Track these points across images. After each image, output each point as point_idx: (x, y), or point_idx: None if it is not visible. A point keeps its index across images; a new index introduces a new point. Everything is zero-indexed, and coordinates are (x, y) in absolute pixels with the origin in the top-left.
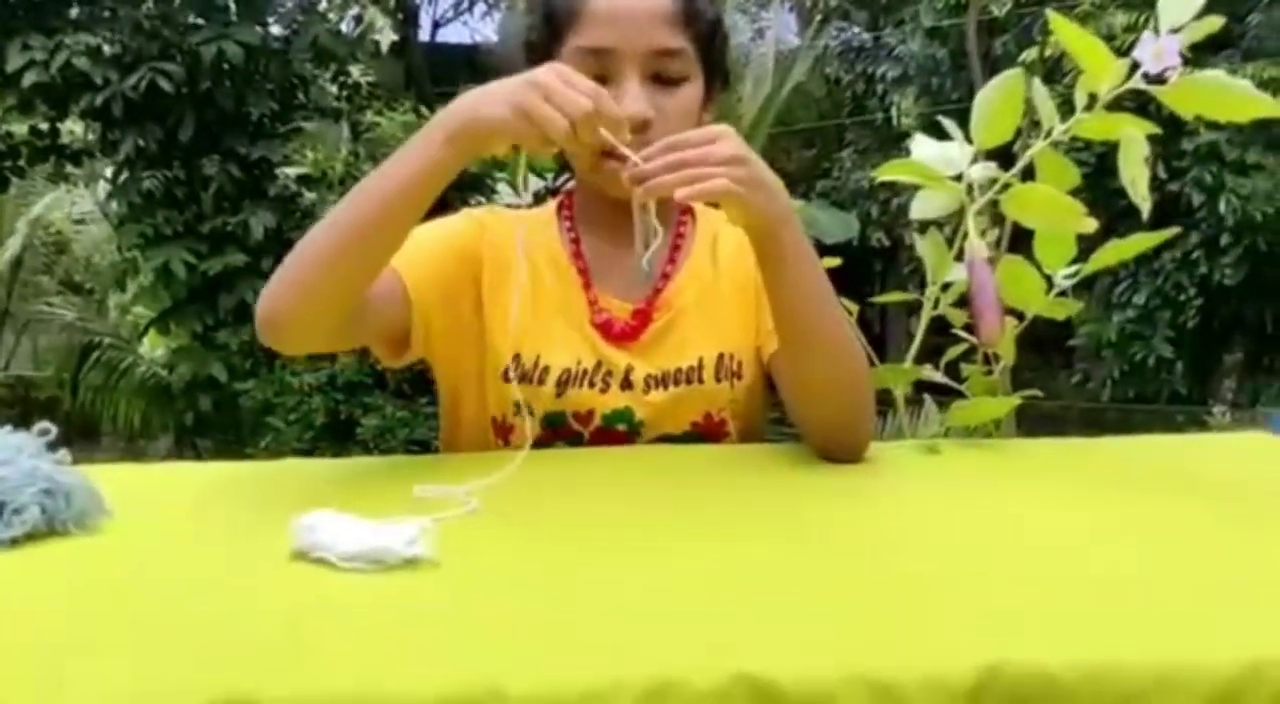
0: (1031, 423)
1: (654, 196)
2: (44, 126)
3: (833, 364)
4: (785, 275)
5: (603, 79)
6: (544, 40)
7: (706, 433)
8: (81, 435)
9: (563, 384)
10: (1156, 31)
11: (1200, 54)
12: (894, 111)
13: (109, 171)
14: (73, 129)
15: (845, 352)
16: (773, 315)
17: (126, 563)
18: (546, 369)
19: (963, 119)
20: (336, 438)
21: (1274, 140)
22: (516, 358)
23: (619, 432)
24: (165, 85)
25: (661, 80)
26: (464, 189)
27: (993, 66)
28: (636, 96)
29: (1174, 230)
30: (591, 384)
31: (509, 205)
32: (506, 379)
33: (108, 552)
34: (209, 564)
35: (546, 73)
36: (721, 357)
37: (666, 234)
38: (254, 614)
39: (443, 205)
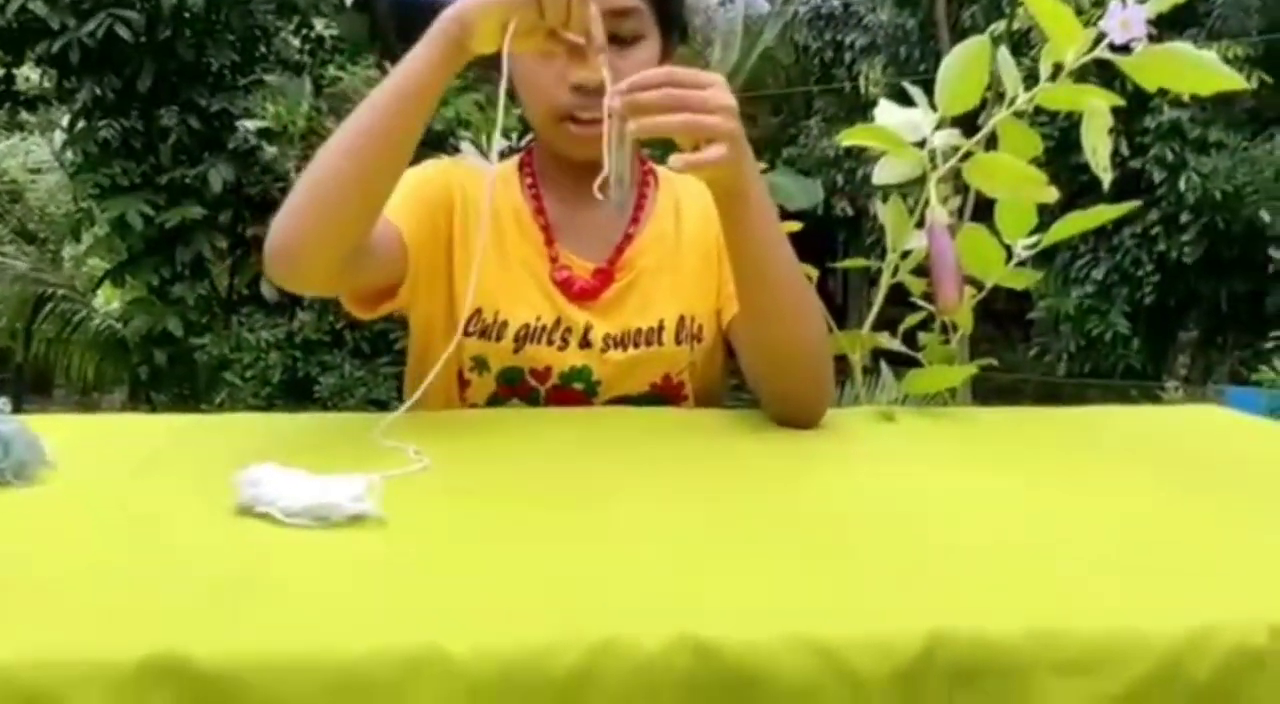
0: (987, 394)
1: (648, 134)
2: None
3: (791, 327)
4: (749, 234)
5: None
6: None
7: (664, 394)
8: (35, 388)
9: (521, 340)
10: (1124, 2)
11: (1165, 31)
12: (862, 80)
13: (65, 120)
14: (29, 76)
15: (805, 316)
16: (733, 275)
17: (63, 514)
18: (505, 324)
19: (930, 88)
20: (293, 396)
21: (1235, 119)
22: (477, 312)
23: (576, 391)
24: (124, 33)
25: (616, 40)
26: (427, 146)
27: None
28: (594, 59)
29: (1134, 204)
30: (550, 341)
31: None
32: (466, 333)
33: (45, 502)
34: (149, 518)
35: None
36: (682, 318)
37: (633, 187)
38: (191, 570)
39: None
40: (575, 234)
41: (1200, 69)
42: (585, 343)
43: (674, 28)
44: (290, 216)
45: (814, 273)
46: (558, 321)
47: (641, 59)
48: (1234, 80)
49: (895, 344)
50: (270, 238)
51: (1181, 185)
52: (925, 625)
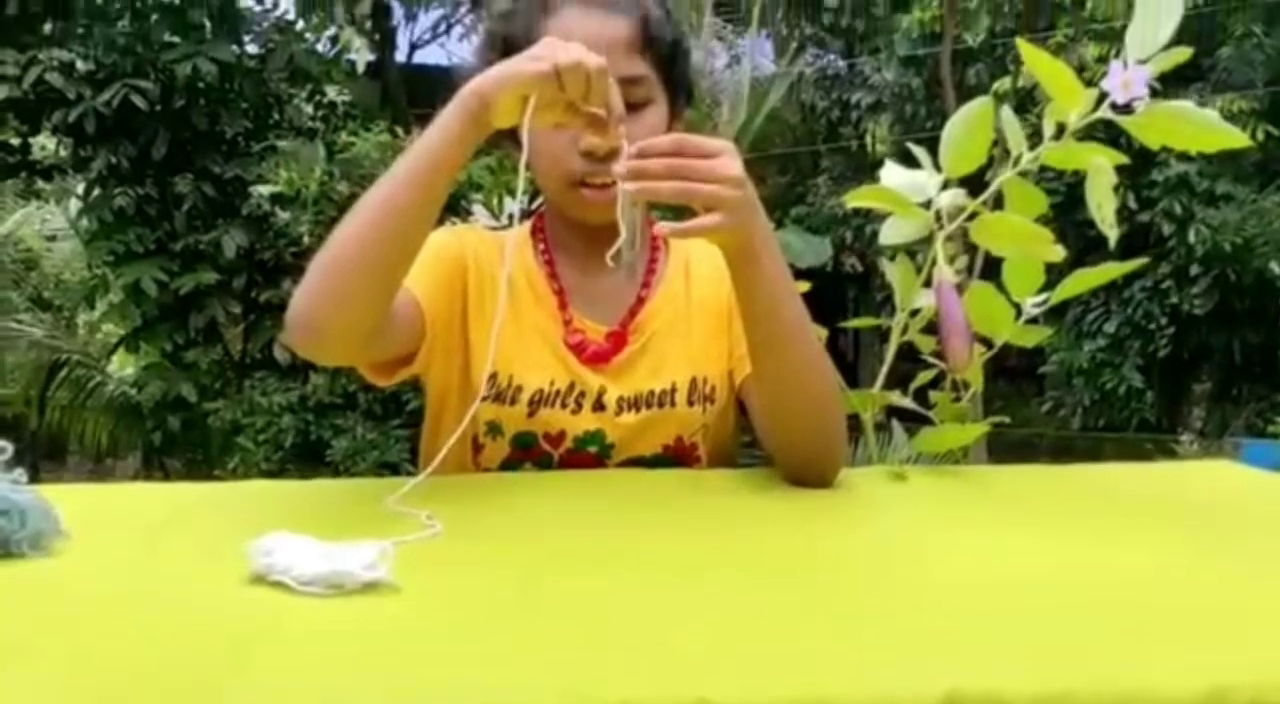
0: (1002, 450)
1: (646, 198)
2: (15, 142)
3: (804, 390)
4: (761, 297)
5: None
6: None
7: (677, 456)
8: (48, 454)
9: (535, 404)
10: (1126, 62)
11: (1170, 86)
12: (868, 138)
13: (81, 188)
14: (45, 145)
15: (818, 377)
16: (746, 337)
17: (78, 584)
18: (520, 388)
19: (936, 147)
20: (306, 459)
21: (1243, 172)
22: (492, 377)
23: (589, 454)
24: (139, 102)
25: (626, 106)
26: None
27: (966, 95)
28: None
29: (1142, 261)
30: (564, 405)
31: (488, 227)
32: (481, 398)
33: (60, 573)
34: (162, 587)
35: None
36: (694, 380)
37: (644, 249)
38: (203, 638)
39: None
40: (588, 298)
41: (1202, 127)
42: (599, 406)
43: (681, 91)
44: (312, 290)
45: (824, 333)
46: (571, 385)
47: (651, 123)
48: (1236, 138)
49: (907, 402)
50: (293, 310)
51: (1191, 238)
52: (941, 686)
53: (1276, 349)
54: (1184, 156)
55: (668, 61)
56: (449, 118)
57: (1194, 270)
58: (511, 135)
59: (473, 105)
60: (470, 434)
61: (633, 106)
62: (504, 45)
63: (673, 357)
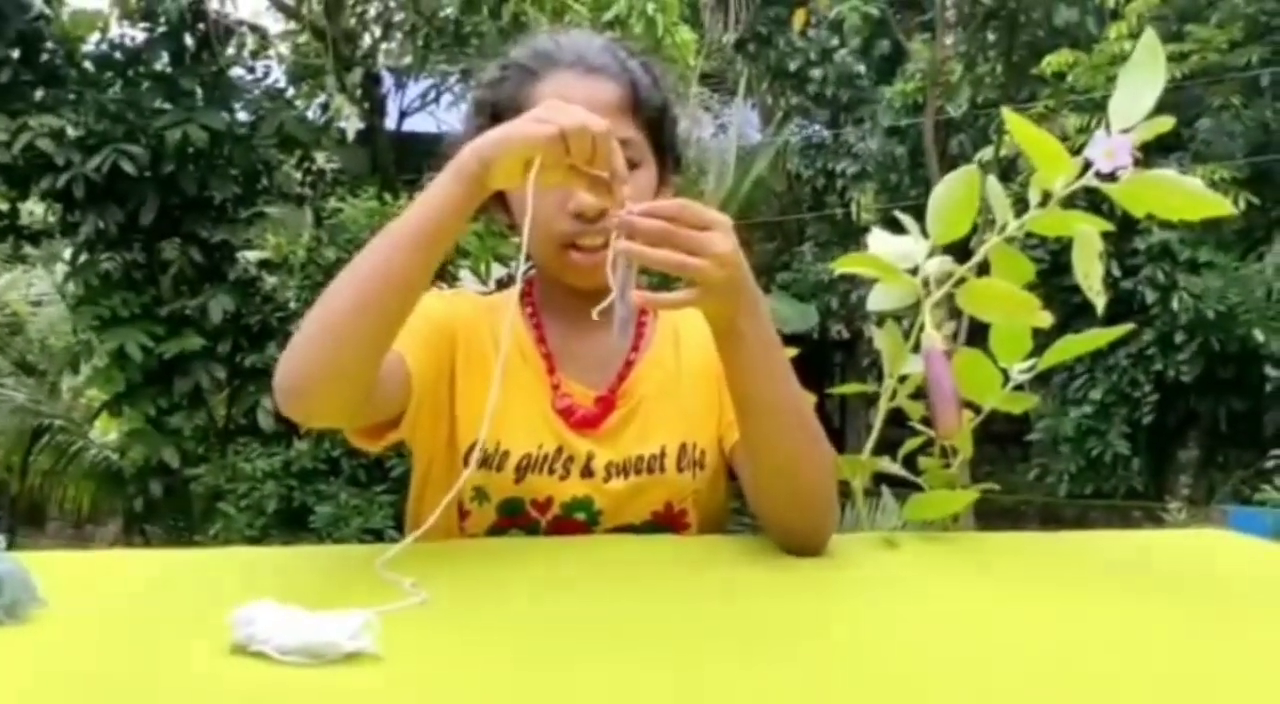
0: (989, 517)
1: (631, 257)
2: (4, 207)
3: (794, 460)
4: (747, 371)
5: None
6: None
7: (667, 523)
8: (28, 520)
9: (522, 469)
10: (1109, 131)
11: (1150, 156)
12: (853, 207)
13: (68, 253)
14: (33, 210)
15: (807, 448)
16: (734, 404)
17: (54, 654)
18: (506, 454)
19: (920, 215)
20: (288, 526)
21: (1224, 239)
22: (477, 442)
23: (578, 521)
24: (128, 167)
25: None
26: None
27: (950, 165)
28: None
29: (1128, 327)
30: (551, 470)
31: (477, 292)
32: (465, 463)
33: (36, 642)
34: (142, 657)
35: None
36: (684, 446)
37: (635, 311)
38: None
39: None
40: (576, 362)
41: (1186, 195)
42: (587, 472)
43: (669, 155)
44: (302, 354)
45: (813, 399)
46: (559, 450)
47: (640, 185)
48: (1220, 206)
49: (896, 468)
50: (282, 375)
51: (1175, 305)
52: None
53: (1262, 416)
54: (1166, 224)
55: (656, 125)
56: (447, 180)
57: (1178, 338)
58: (499, 199)
59: (473, 167)
60: (457, 500)
61: None
62: (493, 110)
63: (662, 421)
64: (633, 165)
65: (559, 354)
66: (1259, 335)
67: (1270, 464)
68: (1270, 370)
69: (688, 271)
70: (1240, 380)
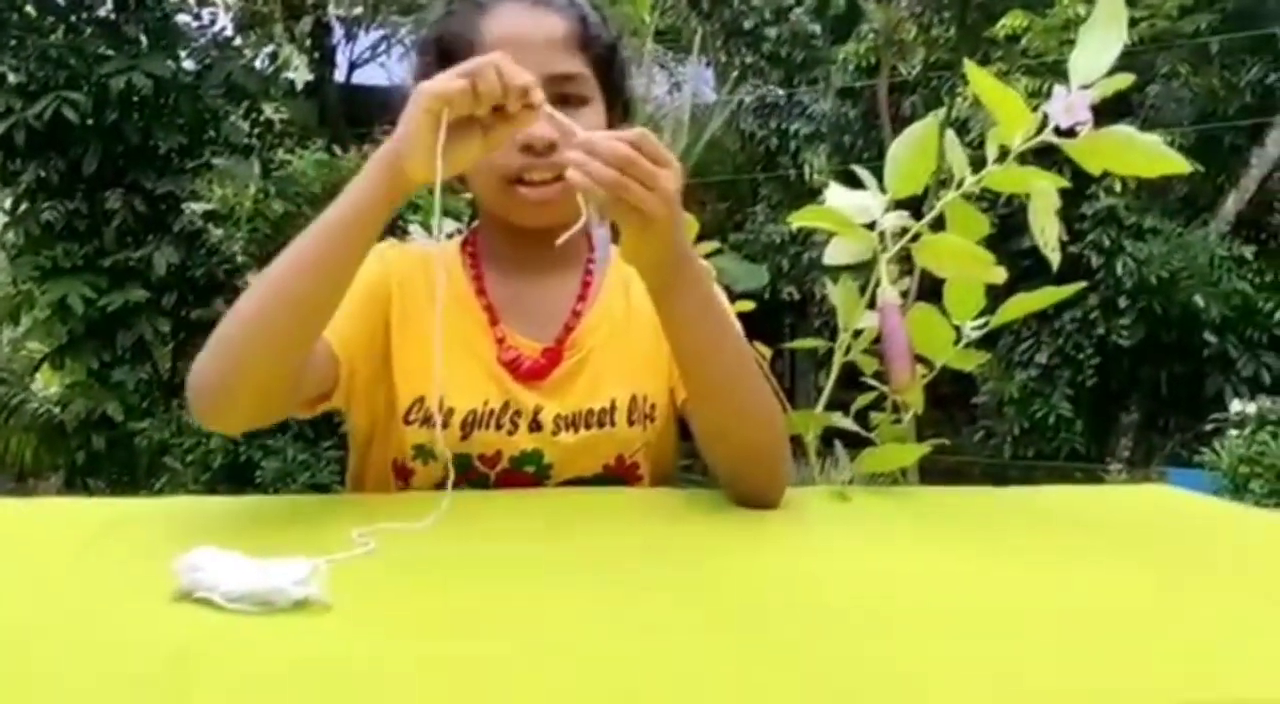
0: (934, 476)
1: (583, 178)
2: None
3: (741, 414)
4: (681, 322)
5: (503, 105)
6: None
7: (619, 475)
8: None
9: (468, 426)
10: (1068, 87)
11: (1101, 120)
12: (806, 168)
13: (8, 202)
14: None
15: (755, 402)
16: (676, 362)
17: None
18: (451, 411)
19: (875, 175)
20: (235, 481)
21: (1169, 206)
22: (420, 400)
23: (526, 474)
24: (71, 115)
25: (562, 102)
26: None
27: (902, 126)
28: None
29: (1080, 285)
30: (499, 425)
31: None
32: (408, 421)
33: None
34: (84, 604)
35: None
36: (634, 398)
37: (579, 269)
38: (125, 659)
39: None
40: (521, 314)
41: (1144, 152)
42: (535, 425)
43: (618, 96)
44: (217, 366)
45: (767, 353)
46: (506, 405)
47: (590, 122)
48: (1177, 163)
49: (848, 423)
50: (198, 384)
51: (1119, 270)
52: None
53: (1202, 381)
54: (1112, 190)
55: (605, 62)
56: (367, 174)
57: (1122, 302)
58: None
59: (388, 157)
60: (394, 459)
61: (569, 103)
62: (439, 47)
63: (611, 374)
64: (580, 100)
65: (502, 306)
66: (1200, 301)
67: (1209, 428)
68: (1210, 336)
69: (636, 202)
70: (1181, 345)
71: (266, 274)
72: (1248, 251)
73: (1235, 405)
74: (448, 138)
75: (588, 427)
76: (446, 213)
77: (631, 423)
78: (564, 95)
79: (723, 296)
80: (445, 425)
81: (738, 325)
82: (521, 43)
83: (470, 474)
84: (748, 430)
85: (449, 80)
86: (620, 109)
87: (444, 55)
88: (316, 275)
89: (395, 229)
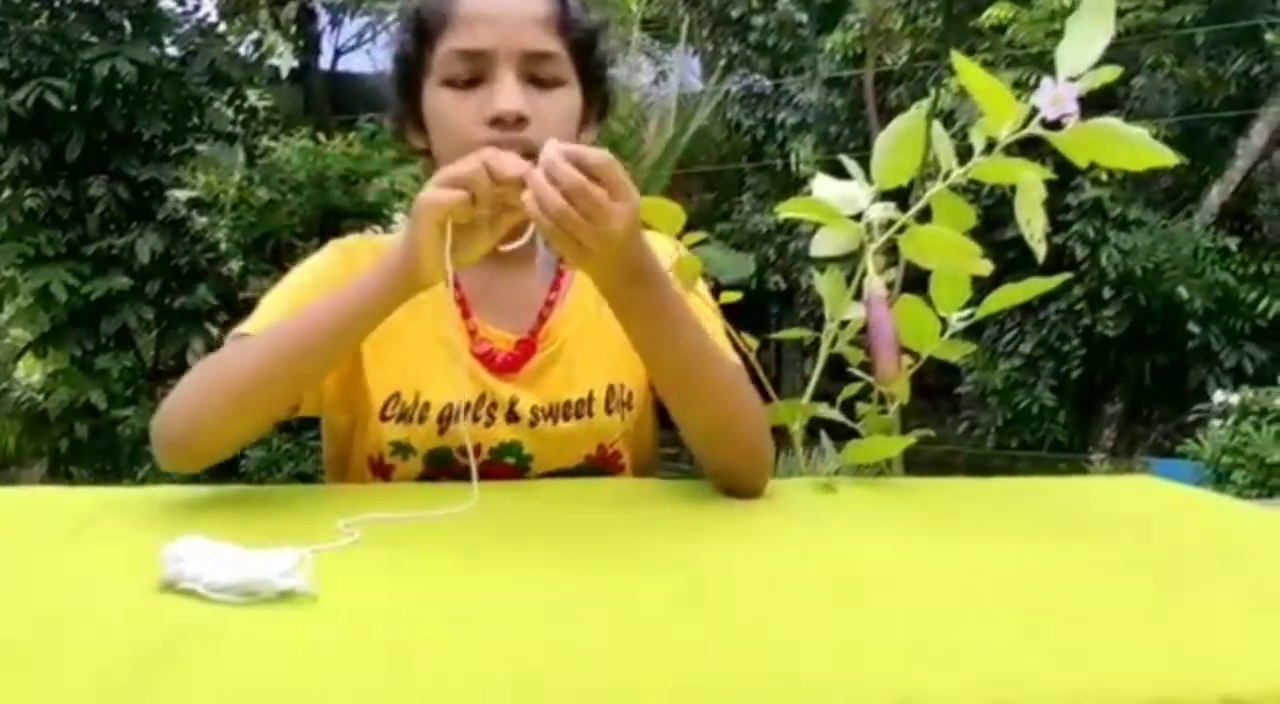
0: (919, 467)
1: (527, 197)
2: None
3: (714, 408)
4: (638, 333)
5: (478, 80)
6: (416, 50)
7: (601, 465)
8: None
9: (445, 420)
10: (1055, 79)
11: (1087, 111)
12: (793, 157)
13: None
14: None
15: (728, 404)
16: (645, 367)
17: None
18: (427, 405)
19: (861, 165)
20: (219, 470)
21: (1154, 198)
22: (395, 396)
23: (507, 466)
24: (54, 102)
25: (537, 82)
26: (362, 217)
27: (888, 117)
28: (513, 91)
29: (1066, 276)
30: (476, 418)
31: None
32: (384, 418)
33: None
34: (69, 594)
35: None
36: (611, 387)
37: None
38: (108, 649)
39: (336, 234)
40: (493, 305)
41: (1130, 145)
42: (513, 417)
43: (596, 83)
44: (197, 412)
45: (754, 343)
46: (482, 397)
47: (564, 105)
48: (1163, 156)
49: (834, 414)
50: (170, 429)
51: (1103, 261)
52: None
53: (1185, 372)
54: (1097, 181)
55: (584, 47)
56: (375, 277)
57: (1106, 293)
58: (416, 121)
59: (402, 264)
60: (369, 456)
61: (544, 83)
62: (418, 23)
63: (587, 364)
64: (555, 82)
65: (473, 299)
66: (1184, 292)
67: (1192, 418)
68: (1194, 327)
69: (576, 234)
70: (1165, 336)
71: (260, 344)
72: (1232, 243)
73: (1218, 396)
74: (454, 235)
75: (566, 418)
76: None
77: (610, 412)
78: (537, 75)
79: (696, 299)
80: (421, 420)
81: (716, 322)
82: (499, 16)
83: (452, 468)
84: (719, 422)
85: (445, 192)
86: (599, 100)
87: (419, 28)
88: (319, 356)
89: (380, 218)
